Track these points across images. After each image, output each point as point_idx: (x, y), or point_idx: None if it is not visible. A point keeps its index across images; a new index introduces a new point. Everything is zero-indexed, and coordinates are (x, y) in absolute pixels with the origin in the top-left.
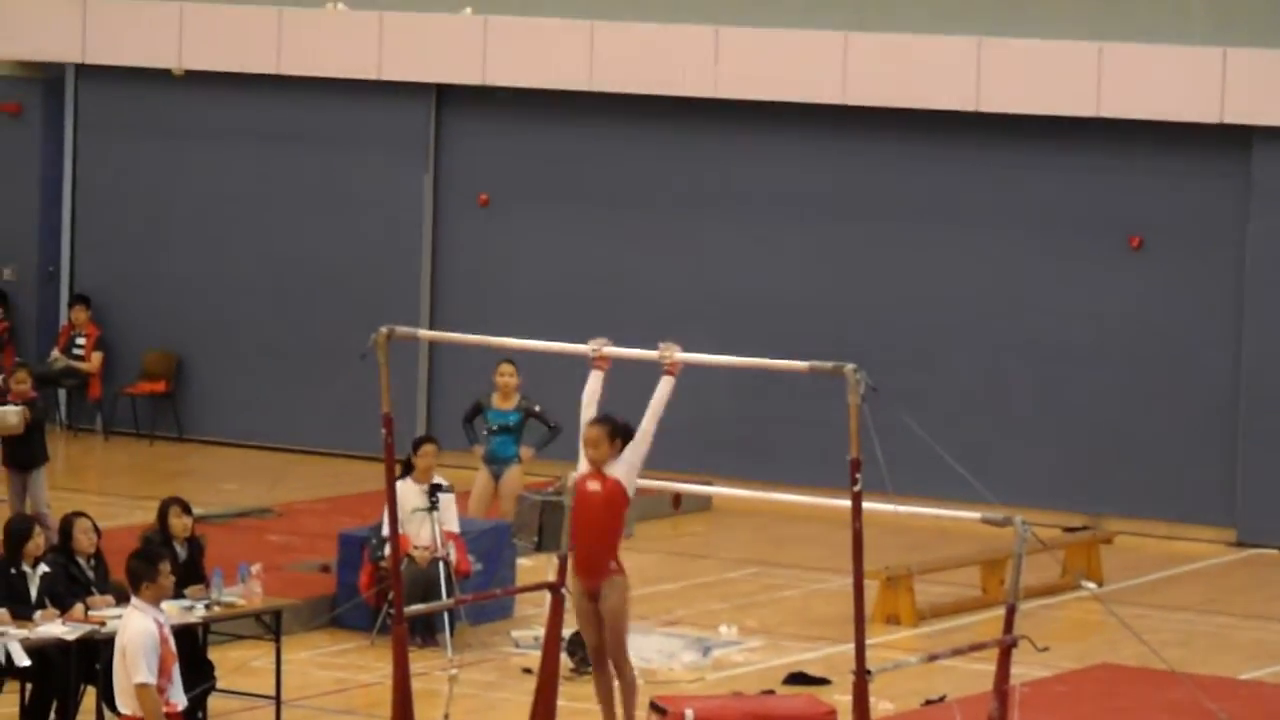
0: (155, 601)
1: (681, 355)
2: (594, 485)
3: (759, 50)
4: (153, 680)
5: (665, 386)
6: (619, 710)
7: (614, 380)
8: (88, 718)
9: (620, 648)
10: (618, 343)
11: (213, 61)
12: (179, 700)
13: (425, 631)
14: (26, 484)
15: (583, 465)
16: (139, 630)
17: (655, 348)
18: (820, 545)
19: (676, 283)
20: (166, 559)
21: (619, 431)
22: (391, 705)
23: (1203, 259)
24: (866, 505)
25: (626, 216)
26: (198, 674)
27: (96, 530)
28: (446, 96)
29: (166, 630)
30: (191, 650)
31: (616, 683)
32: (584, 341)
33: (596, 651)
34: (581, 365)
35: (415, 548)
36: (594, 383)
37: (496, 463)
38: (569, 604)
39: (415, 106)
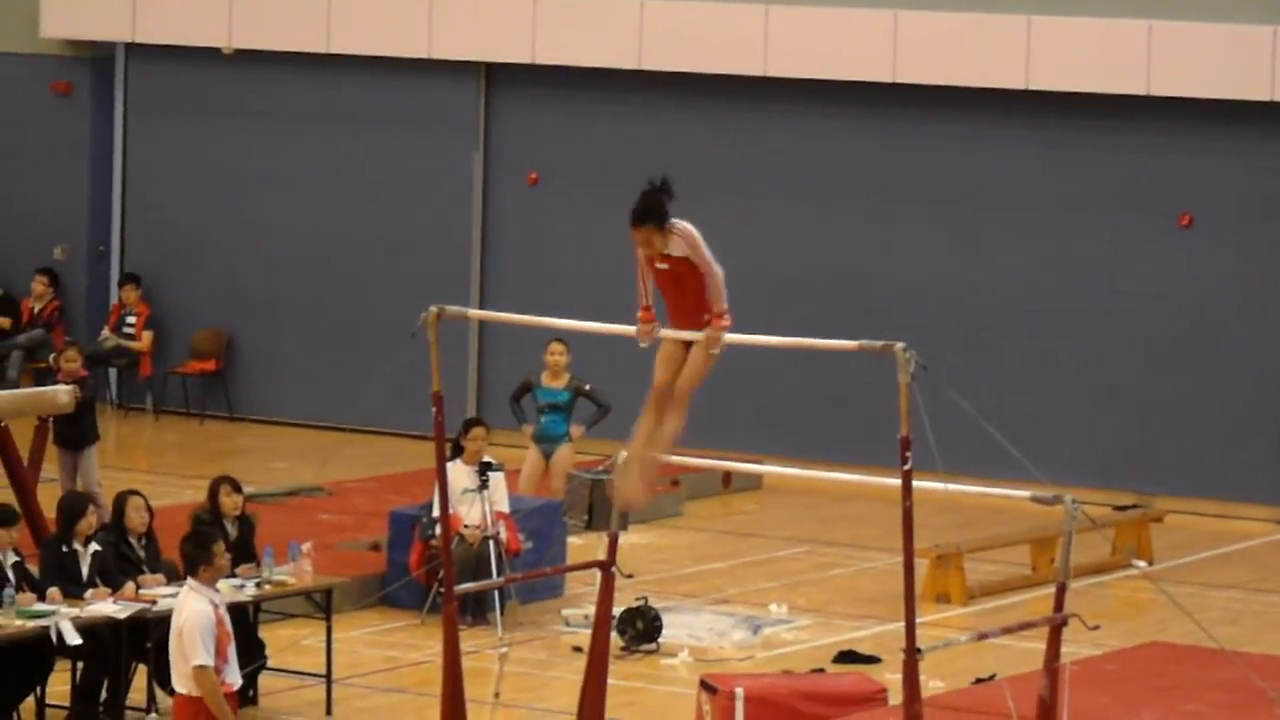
0: (213, 582)
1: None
2: (661, 265)
3: (809, 28)
4: (210, 662)
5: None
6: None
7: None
8: (139, 696)
9: (690, 392)
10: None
11: (262, 40)
12: (234, 680)
13: (476, 610)
14: (77, 463)
15: None
16: (195, 612)
17: None
18: (870, 524)
19: (725, 260)
20: (219, 539)
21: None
22: (442, 683)
23: (1252, 237)
24: (916, 484)
25: (676, 195)
26: (249, 652)
27: (149, 509)
28: (496, 75)
29: (222, 611)
30: (242, 629)
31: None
32: (633, 321)
33: (661, 388)
34: (630, 344)
35: (465, 526)
36: None
37: (547, 441)
38: (618, 580)
39: (465, 85)
